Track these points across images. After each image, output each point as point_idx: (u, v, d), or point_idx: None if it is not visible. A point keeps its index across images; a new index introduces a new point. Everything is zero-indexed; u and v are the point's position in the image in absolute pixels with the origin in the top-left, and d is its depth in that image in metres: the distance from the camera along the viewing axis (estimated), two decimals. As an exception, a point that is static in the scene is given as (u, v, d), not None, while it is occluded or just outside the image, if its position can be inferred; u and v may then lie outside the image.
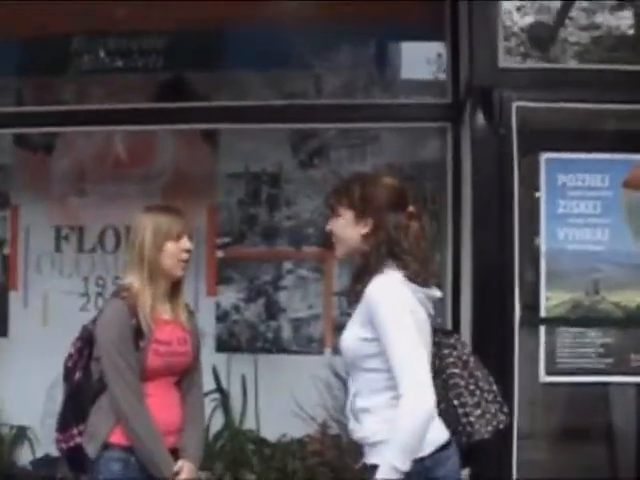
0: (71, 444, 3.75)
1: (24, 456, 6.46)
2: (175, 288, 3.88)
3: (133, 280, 3.74)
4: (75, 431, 3.74)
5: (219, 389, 6.33)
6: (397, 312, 3.14)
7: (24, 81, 6.48)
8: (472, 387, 3.40)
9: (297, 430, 5.96)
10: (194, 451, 3.79)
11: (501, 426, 3.41)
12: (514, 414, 4.57)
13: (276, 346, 6.47)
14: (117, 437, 3.62)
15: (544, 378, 4.75)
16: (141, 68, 6.20)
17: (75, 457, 3.74)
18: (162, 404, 3.71)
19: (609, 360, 4.73)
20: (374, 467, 3.15)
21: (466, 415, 3.37)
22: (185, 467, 3.69)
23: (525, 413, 4.80)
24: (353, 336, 3.28)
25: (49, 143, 6.65)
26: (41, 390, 6.14)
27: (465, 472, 4.43)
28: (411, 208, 3.38)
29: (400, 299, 3.18)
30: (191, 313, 4.01)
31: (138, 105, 5.94)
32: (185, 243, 3.81)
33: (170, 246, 3.75)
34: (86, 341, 3.77)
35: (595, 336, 4.75)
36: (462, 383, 3.40)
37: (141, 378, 3.66)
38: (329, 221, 3.48)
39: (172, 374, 3.80)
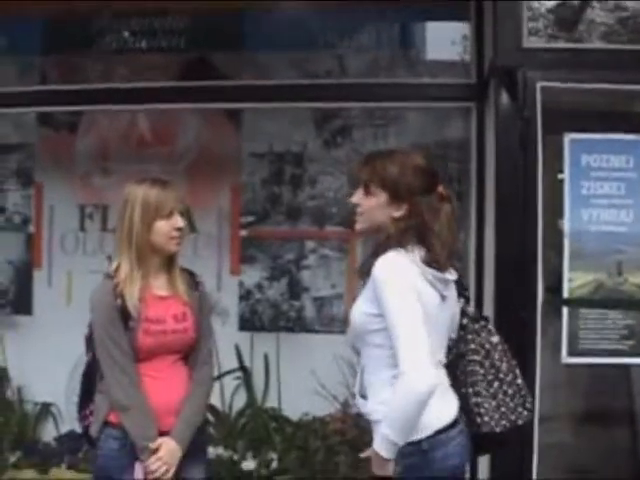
0: (85, 423, 3.78)
1: (48, 432, 6.52)
2: (170, 261, 3.75)
3: (122, 259, 3.64)
4: (87, 411, 3.76)
5: (242, 367, 6.35)
6: (401, 290, 3.12)
7: (48, 60, 6.49)
8: (490, 377, 3.38)
9: (319, 409, 5.98)
10: (181, 429, 3.65)
11: (520, 422, 3.38)
12: (535, 396, 4.59)
13: (299, 325, 6.47)
14: (115, 416, 3.59)
15: (566, 359, 4.74)
16: (165, 47, 6.19)
17: (90, 435, 3.75)
18: (161, 384, 3.64)
19: (631, 342, 4.70)
20: None
21: (477, 405, 3.35)
22: (164, 445, 3.58)
23: (547, 395, 4.78)
24: (360, 311, 3.27)
25: (73, 122, 6.66)
26: (65, 367, 6.17)
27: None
28: (441, 189, 3.34)
29: (405, 278, 3.15)
30: (196, 284, 3.86)
31: (162, 84, 5.95)
32: (177, 221, 3.66)
33: (161, 224, 3.62)
34: None
35: (617, 317, 4.72)
36: (481, 371, 3.38)
37: (136, 358, 3.59)
38: (355, 193, 3.42)
39: (172, 352, 3.69)
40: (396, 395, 3.06)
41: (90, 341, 3.71)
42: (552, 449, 4.94)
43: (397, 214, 3.29)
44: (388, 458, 3.14)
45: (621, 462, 5.17)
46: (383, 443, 3.12)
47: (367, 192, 3.36)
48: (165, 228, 3.63)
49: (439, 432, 3.21)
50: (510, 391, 3.39)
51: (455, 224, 3.38)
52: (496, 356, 3.41)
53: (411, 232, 3.25)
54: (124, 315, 3.56)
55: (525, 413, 3.40)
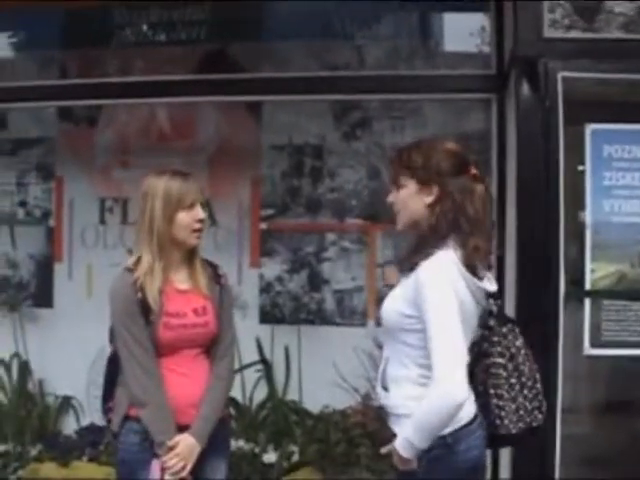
0: (109, 416, 3.76)
1: (69, 425, 6.55)
2: (192, 255, 3.73)
3: (143, 251, 3.60)
4: (111, 404, 3.74)
5: (263, 360, 6.35)
6: (444, 298, 3.08)
7: (67, 54, 6.50)
8: (513, 380, 3.34)
9: (339, 401, 5.94)
10: (200, 425, 3.63)
11: (534, 424, 3.36)
12: (558, 387, 4.58)
13: (319, 317, 6.46)
14: (135, 410, 3.57)
15: (589, 351, 4.72)
16: (184, 40, 6.20)
17: None
18: (182, 378, 3.62)
19: (654, 333, 4.70)
20: (396, 435, 3.19)
21: (499, 408, 3.33)
22: (182, 441, 3.56)
23: (569, 386, 4.77)
24: (394, 309, 3.25)
25: (93, 115, 6.67)
26: (85, 360, 6.20)
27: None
28: (474, 170, 3.29)
29: (450, 285, 3.10)
30: (218, 277, 3.82)
31: (181, 77, 5.96)
32: (198, 213, 3.63)
33: (182, 216, 3.59)
34: None
35: (640, 309, 4.72)
36: (504, 374, 3.34)
37: (158, 353, 3.57)
38: (390, 193, 3.40)
39: (193, 346, 3.67)
40: (428, 404, 3.03)
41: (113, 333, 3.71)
42: (575, 441, 4.94)
43: (429, 199, 3.25)
44: (410, 458, 3.13)
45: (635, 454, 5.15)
46: (405, 444, 3.10)
47: (398, 186, 3.34)
48: (186, 220, 3.60)
49: (463, 426, 3.21)
50: (529, 395, 3.36)
51: (490, 205, 3.37)
52: (520, 359, 3.38)
53: (447, 217, 3.20)
54: (144, 309, 3.53)
55: (540, 416, 3.37)
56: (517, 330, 3.43)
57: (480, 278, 3.25)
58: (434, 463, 3.16)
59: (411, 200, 3.30)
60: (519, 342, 3.41)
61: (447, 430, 3.12)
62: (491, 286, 3.33)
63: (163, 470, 3.54)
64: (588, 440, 5.32)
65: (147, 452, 3.56)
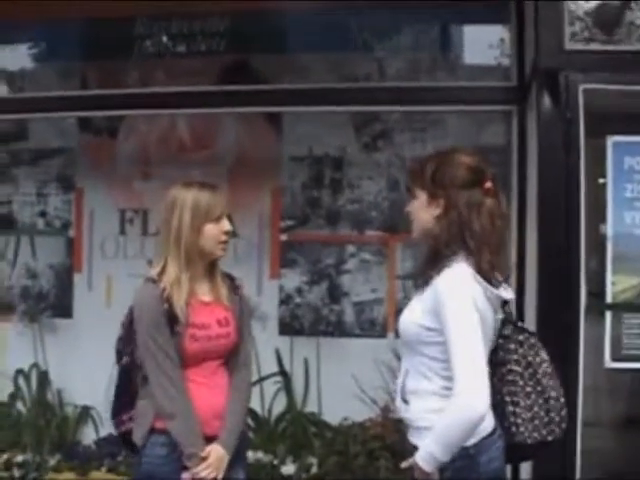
0: (122, 429, 3.74)
1: (88, 435, 6.55)
2: (212, 267, 3.73)
3: (169, 262, 3.60)
4: (125, 417, 3.72)
5: (282, 372, 6.34)
6: (464, 309, 3.07)
7: (88, 65, 6.53)
8: (529, 389, 3.32)
9: (359, 414, 5.94)
10: (227, 436, 3.64)
11: (549, 438, 3.34)
12: (578, 401, 4.55)
13: (339, 329, 6.45)
14: (161, 423, 3.56)
15: (609, 364, 4.70)
16: (204, 51, 6.23)
17: (128, 441, 3.71)
18: (206, 389, 3.62)
19: (674, 347, 4.67)
20: (416, 447, 3.16)
21: (514, 415, 3.31)
22: (213, 452, 3.56)
23: (590, 400, 4.74)
24: (413, 321, 3.23)
25: (113, 127, 6.69)
26: (105, 371, 6.10)
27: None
28: (488, 184, 3.24)
29: (469, 296, 3.09)
30: (236, 288, 3.83)
31: (201, 88, 5.96)
32: (225, 224, 3.65)
33: (210, 228, 3.60)
34: (131, 324, 3.64)
35: (661, 322, 4.69)
36: (520, 382, 3.32)
37: (182, 364, 3.57)
38: (408, 203, 3.41)
39: (215, 357, 3.67)
40: (450, 416, 3.02)
41: (126, 344, 3.68)
42: (595, 454, 4.91)
43: (436, 212, 3.25)
44: (431, 471, 3.11)
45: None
46: (427, 457, 3.07)
47: (412, 196, 3.35)
48: (214, 232, 3.62)
49: (485, 437, 3.19)
50: (546, 406, 3.34)
51: (501, 221, 3.28)
52: (540, 371, 3.36)
53: (452, 230, 3.19)
54: (170, 320, 3.53)
55: (557, 431, 3.35)
56: (537, 342, 3.42)
57: (496, 286, 3.23)
58: (458, 475, 3.14)
59: (421, 211, 3.31)
60: (542, 356, 3.39)
61: (470, 441, 3.11)
62: (507, 294, 3.32)
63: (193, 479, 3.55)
64: (609, 453, 5.28)
65: (173, 465, 3.56)
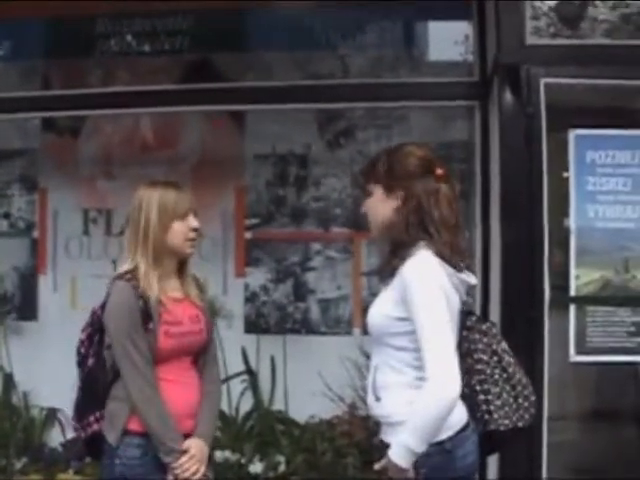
0: (88, 432, 3.70)
1: (55, 438, 6.48)
2: (183, 265, 3.75)
3: (139, 261, 3.60)
4: (92, 419, 3.67)
5: (248, 370, 6.33)
6: (432, 295, 3.09)
7: (50, 64, 6.47)
8: (496, 377, 3.35)
9: (326, 411, 5.95)
10: (205, 429, 3.67)
11: (520, 424, 3.36)
12: (544, 394, 4.57)
13: (305, 327, 6.46)
14: (135, 424, 3.54)
15: (574, 357, 4.71)
16: (167, 50, 6.18)
17: (93, 443, 3.68)
18: (178, 387, 3.62)
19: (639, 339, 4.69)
20: (388, 445, 3.16)
21: (486, 403, 3.33)
22: (193, 444, 3.57)
23: (555, 394, 4.75)
24: (383, 313, 3.24)
25: (76, 126, 6.66)
26: (70, 372, 6.08)
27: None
28: (439, 171, 3.29)
29: (436, 282, 3.12)
30: (201, 288, 3.86)
31: (164, 87, 5.94)
32: (192, 221, 3.67)
33: (177, 225, 3.62)
34: (96, 326, 3.65)
35: (625, 315, 4.71)
36: (488, 371, 3.35)
37: (154, 361, 3.56)
38: (363, 203, 3.43)
39: (187, 354, 3.69)
40: (424, 402, 3.02)
41: (90, 345, 3.68)
42: (561, 448, 4.92)
43: (395, 204, 3.27)
44: (406, 467, 3.10)
45: (631, 461, 5.13)
46: (402, 452, 3.06)
47: (367, 194, 3.37)
48: (182, 229, 3.63)
49: (459, 431, 3.20)
50: (513, 393, 3.36)
51: (457, 204, 3.33)
52: (505, 359, 3.39)
53: (414, 219, 3.22)
54: (144, 317, 3.53)
55: (527, 416, 3.37)
56: (498, 331, 3.46)
57: (459, 271, 3.26)
58: (434, 471, 3.13)
59: (379, 206, 3.32)
60: (503, 345, 3.42)
61: (445, 436, 3.12)
62: (471, 279, 3.34)
63: (176, 475, 3.53)
64: (575, 448, 5.30)
65: (147, 466, 3.55)
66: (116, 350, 3.55)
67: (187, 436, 3.61)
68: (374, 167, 3.34)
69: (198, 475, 3.56)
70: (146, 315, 3.54)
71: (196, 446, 3.58)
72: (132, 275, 3.59)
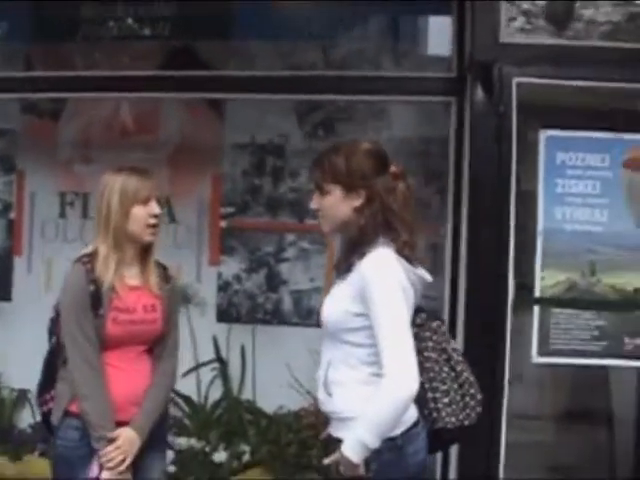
0: (44, 409, 3.75)
1: (25, 419, 6.49)
2: (146, 253, 3.76)
3: (99, 245, 3.64)
4: (48, 396, 3.73)
5: (219, 359, 6.33)
6: (390, 291, 3.11)
7: (32, 46, 6.45)
8: (444, 375, 3.36)
9: (294, 402, 5.96)
10: (140, 420, 3.66)
11: (466, 422, 3.37)
12: (504, 393, 4.57)
13: (276, 318, 6.45)
14: (76, 406, 3.57)
15: (536, 359, 4.71)
16: (149, 35, 6.16)
17: (48, 421, 3.73)
18: (125, 374, 3.64)
19: (603, 343, 4.67)
20: (339, 440, 3.15)
21: (434, 400, 3.34)
22: (122, 435, 3.57)
23: (517, 394, 4.76)
24: (339, 308, 3.24)
25: (56, 109, 6.64)
26: (42, 354, 6.13)
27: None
28: (394, 168, 3.32)
29: (394, 277, 3.13)
30: (167, 278, 3.87)
31: (145, 73, 5.90)
32: (153, 207, 3.68)
33: (137, 210, 3.64)
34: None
35: (590, 318, 4.69)
36: (436, 369, 3.36)
37: (102, 347, 3.58)
38: (313, 198, 3.41)
39: (139, 343, 3.69)
40: (381, 398, 3.03)
41: (55, 324, 3.71)
42: (521, 448, 4.93)
43: (357, 203, 3.27)
44: (359, 462, 3.10)
45: (593, 461, 5.15)
46: (356, 447, 3.06)
47: (322, 192, 3.34)
48: (141, 214, 3.65)
49: (410, 427, 3.20)
50: (460, 391, 3.37)
51: (412, 202, 3.35)
52: (454, 357, 3.40)
53: (377, 218, 3.23)
54: (94, 302, 3.55)
55: (473, 415, 3.37)
56: (446, 329, 3.47)
57: (415, 267, 3.27)
58: (385, 467, 3.15)
59: (338, 206, 3.31)
60: (452, 343, 3.45)
61: (397, 432, 3.13)
62: (427, 276, 3.35)
63: (101, 467, 3.53)
64: (535, 449, 5.30)
65: (85, 449, 3.57)
66: (63, 331, 3.59)
67: (127, 424, 3.61)
68: (330, 165, 3.32)
69: (123, 466, 3.57)
70: (96, 300, 3.55)
71: (125, 437, 3.58)
72: (90, 259, 3.61)
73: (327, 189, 3.31)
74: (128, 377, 3.65)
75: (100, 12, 6.18)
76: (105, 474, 3.54)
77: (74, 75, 6.03)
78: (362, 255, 3.19)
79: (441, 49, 5.84)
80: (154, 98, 6.18)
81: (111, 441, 3.54)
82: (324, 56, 6.20)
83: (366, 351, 3.17)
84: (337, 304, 3.26)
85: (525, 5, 4.83)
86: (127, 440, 3.58)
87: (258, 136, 6.48)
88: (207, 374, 6.28)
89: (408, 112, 6.22)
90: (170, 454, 5.40)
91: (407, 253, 3.22)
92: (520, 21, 4.82)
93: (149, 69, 6.03)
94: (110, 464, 3.54)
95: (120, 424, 3.59)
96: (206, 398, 6.27)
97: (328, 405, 3.32)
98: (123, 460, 3.56)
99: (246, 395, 6.30)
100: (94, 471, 3.54)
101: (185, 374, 5.93)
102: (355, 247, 3.25)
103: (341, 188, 3.28)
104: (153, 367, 3.76)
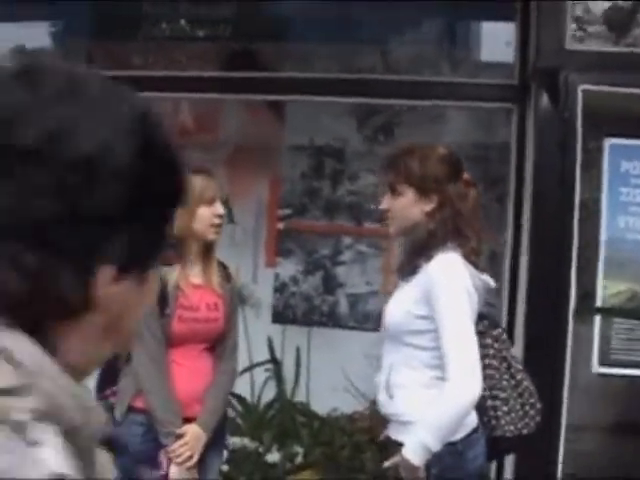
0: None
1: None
2: (208, 252, 3.80)
3: None
4: (109, 392, 3.78)
5: (273, 360, 6.34)
6: (457, 294, 3.13)
7: (93, 45, 6.48)
8: (505, 383, 3.37)
9: (348, 405, 5.95)
10: (206, 418, 3.72)
11: (524, 431, 3.37)
12: (563, 403, 4.54)
13: (332, 320, 6.44)
14: (140, 402, 3.63)
15: (597, 369, 4.67)
16: (210, 36, 6.19)
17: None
18: (188, 372, 3.69)
19: (664, 354, 4.64)
20: (399, 444, 3.15)
21: (494, 409, 3.34)
22: (190, 431, 3.63)
23: (578, 403, 4.72)
24: (403, 310, 3.25)
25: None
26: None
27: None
28: (466, 175, 3.36)
29: (461, 281, 3.16)
30: (228, 277, 3.91)
31: (205, 73, 5.93)
32: (218, 208, 3.74)
33: (202, 211, 3.68)
34: None
35: (651, 329, 4.66)
36: (497, 376, 3.37)
37: (167, 344, 3.64)
38: (384, 199, 3.42)
39: (201, 341, 3.75)
40: (444, 402, 3.05)
41: None
42: (580, 457, 4.88)
43: (428, 208, 3.29)
44: (420, 465, 3.10)
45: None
46: (418, 449, 3.07)
47: (394, 193, 3.35)
48: (206, 214, 3.70)
49: (471, 433, 3.20)
50: (520, 400, 3.37)
51: (480, 210, 3.42)
52: (513, 365, 3.40)
53: (448, 223, 3.25)
54: (160, 300, 3.58)
55: (532, 425, 3.37)
56: (507, 338, 3.48)
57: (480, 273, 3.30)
58: (445, 472, 3.16)
59: (410, 208, 3.33)
60: (512, 351, 3.48)
61: (457, 437, 3.14)
62: (491, 282, 3.39)
63: (169, 461, 3.58)
64: (593, 460, 5.25)
65: (148, 444, 3.65)
66: None
67: (194, 420, 3.68)
68: (404, 167, 3.32)
69: (190, 463, 3.60)
70: (162, 298, 3.59)
71: (192, 433, 3.64)
72: None
73: (400, 190, 3.32)
74: (190, 374, 3.71)
75: (160, 12, 6.21)
76: (173, 469, 3.59)
77: (133, 75, 6.03)
78: (429, 258, 3.20)
79: (500, 55, 5.82)
80: (213, 99, 6.19)
81: (179, 437, 3.60)
82: (382, 59, 6.18)
83: (429, 354, 3.18)
84: (400, 306, 3.28)
85: (578, 12, 4.79)
86: (194, 436, 3.64)
87: (317, 139, 6.46)
88: (261, 375, 6.29)
89: (467, 117, 6.19)
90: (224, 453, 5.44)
91: (474, 259, 3.22)
92: (572, 28, 4.78)
93: (208, 70, 6.04)
94: (179, 459, 3.59)
95: (186, 420, 3.66)
96: (259, 398, 6.27)
97: (389, 407, 3.34)
98: (191, 456, 3.61)
99: (299, 397, 6.30)
100: (162, 466, 3.57)
101: (240, 374, 5.91)
102: (422, 250, 3.26)
103: (414, 191, 3.29)
104: (214, 366, 3.81)
